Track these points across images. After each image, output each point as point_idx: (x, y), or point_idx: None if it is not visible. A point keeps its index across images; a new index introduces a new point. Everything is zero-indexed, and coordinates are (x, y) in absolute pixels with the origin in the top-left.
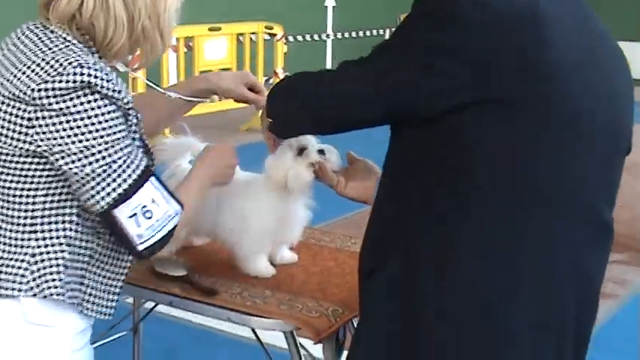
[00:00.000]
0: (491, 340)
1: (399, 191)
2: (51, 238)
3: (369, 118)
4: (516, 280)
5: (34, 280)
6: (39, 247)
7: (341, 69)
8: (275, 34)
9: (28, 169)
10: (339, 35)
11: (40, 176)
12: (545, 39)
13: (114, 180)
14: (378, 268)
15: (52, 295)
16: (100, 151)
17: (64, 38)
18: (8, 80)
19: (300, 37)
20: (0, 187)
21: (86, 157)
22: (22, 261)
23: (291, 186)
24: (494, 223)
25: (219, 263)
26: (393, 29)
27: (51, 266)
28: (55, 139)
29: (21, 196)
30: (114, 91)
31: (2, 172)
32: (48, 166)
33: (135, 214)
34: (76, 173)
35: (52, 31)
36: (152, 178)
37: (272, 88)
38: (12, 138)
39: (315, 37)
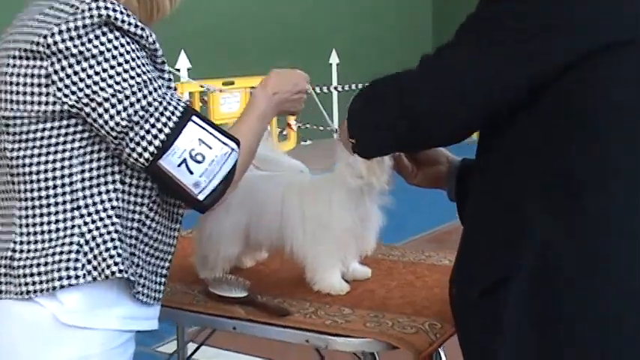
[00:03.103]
0: None
1: (517, 192)
2: (97, 211)
3: (472, 125)
4: None
5: (89, 262)
6: (86, 223)
7: (431, 66)
8: None
9: (58, 136)
10: (346, 87)
11: (73, 141)
12: None
13: (152, 126)
14: (504, 281)
15: (113, 273)
16: (132, 94)
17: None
18: (18, 34)
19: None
20: (27, 164)
21: (119, 102)
22: (72, 244)
23: (371, 178)
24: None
25: (281, 283)
26: None
27: (105, 242)
28: (80, 89)
29: (54, 169)
30: (136, 26)
31: (27, 147)
32: (80, 128)
33: (184, 161)
34: (111, 128)
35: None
36: (194, 117)
37: (349, 108)
38: (30, 102)
39: (324, 89)
